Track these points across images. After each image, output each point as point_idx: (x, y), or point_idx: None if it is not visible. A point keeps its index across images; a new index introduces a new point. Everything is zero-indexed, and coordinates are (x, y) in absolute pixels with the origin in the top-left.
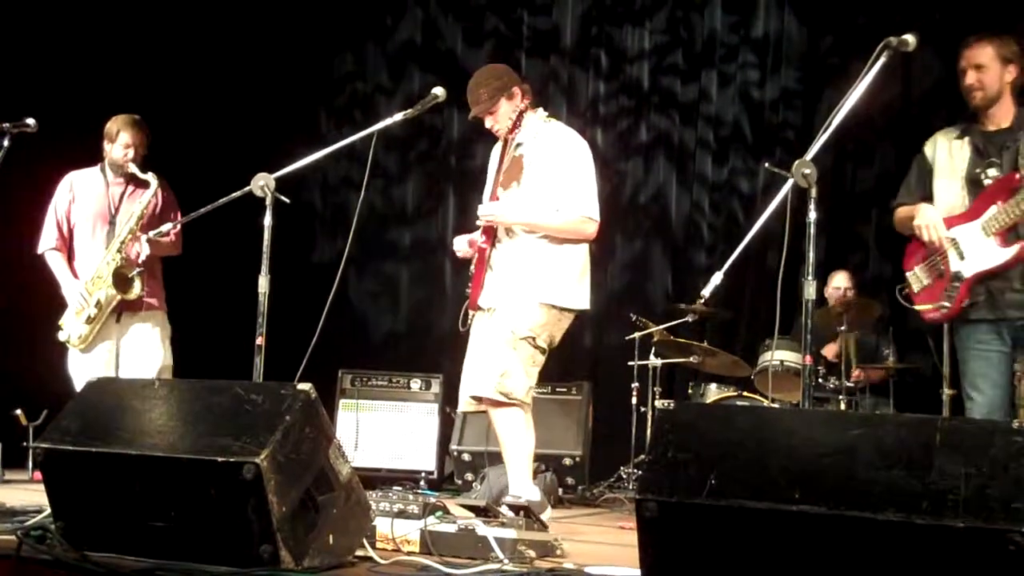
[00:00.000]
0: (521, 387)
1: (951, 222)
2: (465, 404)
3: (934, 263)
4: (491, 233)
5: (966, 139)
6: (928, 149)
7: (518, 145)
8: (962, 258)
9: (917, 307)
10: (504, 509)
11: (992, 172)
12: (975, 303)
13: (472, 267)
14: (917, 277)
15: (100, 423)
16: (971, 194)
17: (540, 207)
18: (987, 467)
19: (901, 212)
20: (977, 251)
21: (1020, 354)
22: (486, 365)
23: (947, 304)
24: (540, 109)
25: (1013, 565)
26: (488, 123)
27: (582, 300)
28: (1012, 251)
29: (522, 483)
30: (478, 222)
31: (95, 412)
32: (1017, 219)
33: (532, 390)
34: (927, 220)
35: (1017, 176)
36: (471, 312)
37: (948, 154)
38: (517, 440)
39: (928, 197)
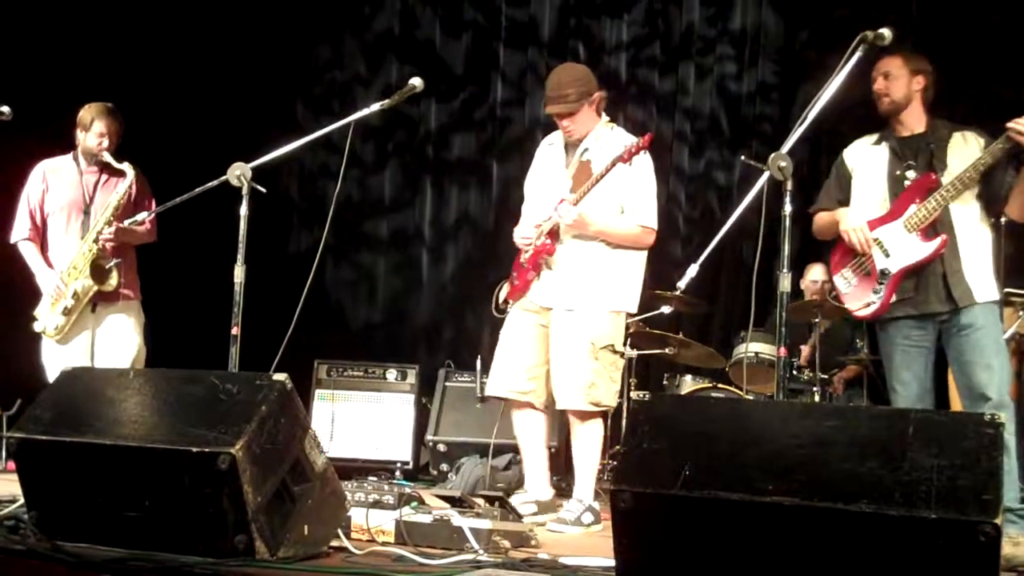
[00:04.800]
0: (609, 395)
1: (873, 224)
2: (500, 390)
3: (860, 264)
4: (555, 234)
5: (884, 144)
6: (847, 155)
7: (585, 150)
8: (887, 256)
9: (847, 306)
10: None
11: (910, 173)
12: (903, 299)
13: (524, 259)
14: (845, 279)
15: (74, 413)
16: (892, 194)
17: (611, 215)
18: (959, 459)
19: (823, 217)
20: (901, 248)
21: (947, 348)
22: (572, 378)
23: (876, 301)
24: (604, 114)
25: (984, 556)
26: (566, 123)
27: (636, 304)
28: (934, 245)
29: (589, 489)
30: (558, 221)
31: (69, 402)
32: (935, 216)
33: (618, 393)
34: (852, 225)
35: (933, 176)
36: (510, 301)
37: (868, 159)
38: (594, 449)
39: (846, 202)
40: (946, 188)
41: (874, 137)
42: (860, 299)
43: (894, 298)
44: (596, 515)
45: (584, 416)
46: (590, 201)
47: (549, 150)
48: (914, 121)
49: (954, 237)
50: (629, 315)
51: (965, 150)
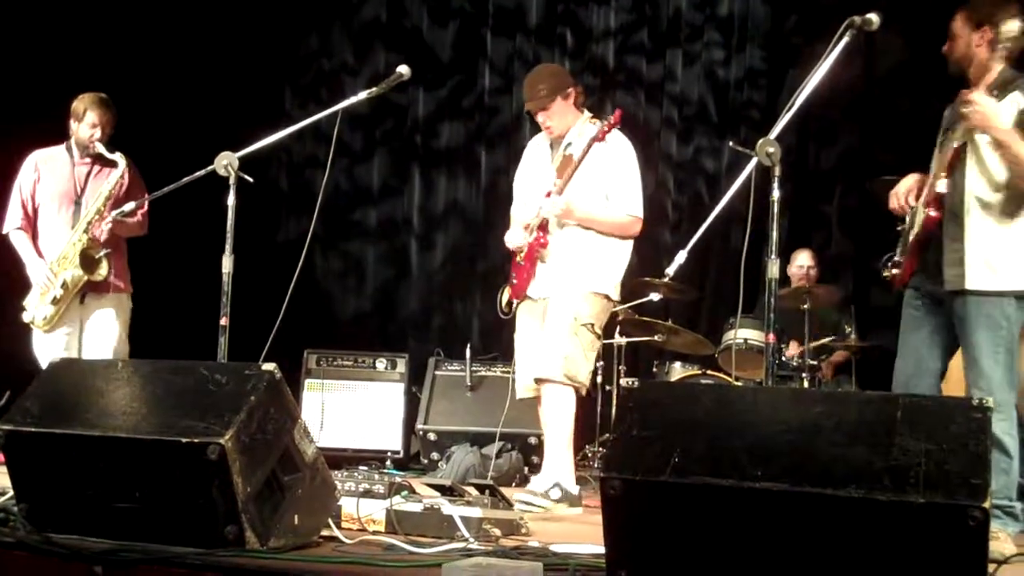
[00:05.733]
0: (583, 370)
1: (920, 192)
2: (525, 391)
3: (904, 231)
4: (546, 228)
5: (953, 105)
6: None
7: (568, 145)
8: (912, 227)
9: (884, 273)
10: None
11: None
12: (918, 271)
13: (520, 258)
14: (900, 244)
15: (63, 404)
16: (938, 162)
17: (595, 202)
18: (947, 443)
19: None
20: (917, 219)
21: (957, 324)
22: (550, 350)
23: (897, 271)
24: (585, 110)
25: (972, 540)
26: (541, 118)
27: (618, 291)
28: (922, 219)
29: (561, 466)
30: (542, 215)
31: (58, 393)
32: (936, 190)
33: (591, 374)
34: (895, 188)
35: (956, 146)
36: (515, 300)
37: (945, 119)
38: (564, 422)
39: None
40: (940, 159)
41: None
42: (896, 267)
43: (916, 267)
44: (564, 492)
45: (557, 390)
46: (574, 190)
47: (536, 149)
48: (983, 78)
49: (963, 214)
50: (612, 301)
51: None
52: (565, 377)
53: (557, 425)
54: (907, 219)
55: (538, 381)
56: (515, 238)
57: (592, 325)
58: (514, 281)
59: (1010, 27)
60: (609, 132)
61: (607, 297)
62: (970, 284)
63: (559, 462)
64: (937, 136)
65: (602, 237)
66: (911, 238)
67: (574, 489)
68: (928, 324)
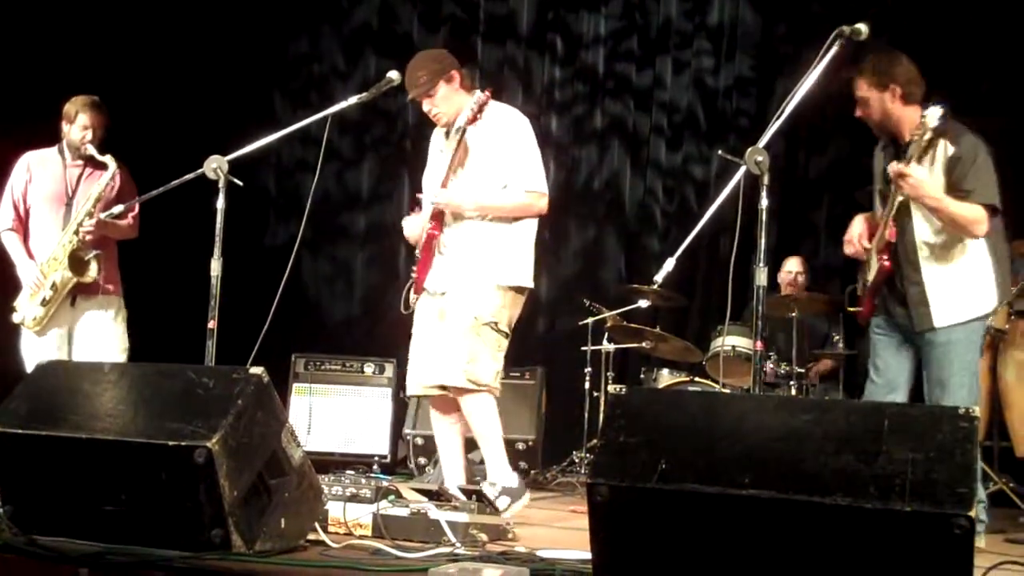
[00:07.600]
0: (488, 372)
1: (872, 231)
2: (416, 388)
3: (863, 269)
4: (439, 217)
5: (887, 150)
6: (875, 154)
7: (459, 130)
8: (869, 268)
9: (850, 308)
10: (457, 492)
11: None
12: (883, 310)
13: (418, 251)
14: (861, 279)
15: (50, 406)
16: (883, 206)
17: (490, 189)
18: (934, 452)
19: None
20: (872, 264)
21: (928, 351)
22: (451, 353)
23: (861, 308)
24: (477, 91)
25: (958, 548)
26: (426, 106)
27: (529, 278)
28: (877, 267)
29: (500, 469)
30: (430, 206)
31: (45, 395)
32: (887, 238)
33: (499, 374)
34: (848, 235)
35: (900, 199)
36: (415, 296)
37: (876, 163)
38: (489, 426)
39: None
40: (886, 213)
41: (884, 139)
42: (858, 304)
43: (876, 302)
44: (514, 493)
45: (464, 392)
46: (469, 180)
47: (436, 144)
48: (907, 127)
49: (916, 256)
50: (521, 289)
51: (934, 164)
52: (468, 381)
53: (486, 431)
54: (869, 259)
55: (444, 388)
56: (410, 227)
57: (495, 324)
58: (414, 275)
59: (907, 78)
60: (480, 113)
61: (514, 289)
62: (939, 322)
63: (499, 467)
64: (875, 182)
65: (501, 224)
66: (869, 280)
67: (514, 482)
68: (899, 348)
